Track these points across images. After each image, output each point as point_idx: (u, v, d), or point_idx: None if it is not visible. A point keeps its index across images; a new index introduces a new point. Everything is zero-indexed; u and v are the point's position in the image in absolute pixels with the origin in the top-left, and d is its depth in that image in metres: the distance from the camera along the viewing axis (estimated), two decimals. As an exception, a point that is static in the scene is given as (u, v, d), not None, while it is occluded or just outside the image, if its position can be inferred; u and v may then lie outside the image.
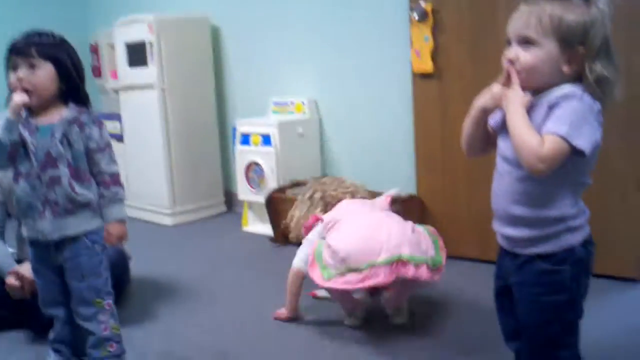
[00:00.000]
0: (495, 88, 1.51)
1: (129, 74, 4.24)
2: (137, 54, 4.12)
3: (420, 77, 3.13)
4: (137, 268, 2.97)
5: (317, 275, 2.24)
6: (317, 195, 2.67)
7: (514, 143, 1.41)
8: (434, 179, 3.19)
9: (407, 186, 3.28)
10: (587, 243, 1.51)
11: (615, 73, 1.43)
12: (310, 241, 2.45)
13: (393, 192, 3.18)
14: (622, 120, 2.49)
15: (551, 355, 1.53)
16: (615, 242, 2.58)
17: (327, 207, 2.58)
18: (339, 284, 2.19)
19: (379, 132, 3.55)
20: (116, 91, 4.46)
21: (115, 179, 1.96)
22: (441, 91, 3.07)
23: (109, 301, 1.98)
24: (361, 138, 3.65)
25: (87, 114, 1.93)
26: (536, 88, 1.46)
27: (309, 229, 2.53)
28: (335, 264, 2.20)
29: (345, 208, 2.49)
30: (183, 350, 2.34)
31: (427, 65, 3.06)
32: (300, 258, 2.45)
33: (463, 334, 2.32)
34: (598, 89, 1.42)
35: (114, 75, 4.53)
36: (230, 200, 4.47)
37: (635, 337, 2.23)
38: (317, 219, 2.50)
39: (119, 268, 2.64)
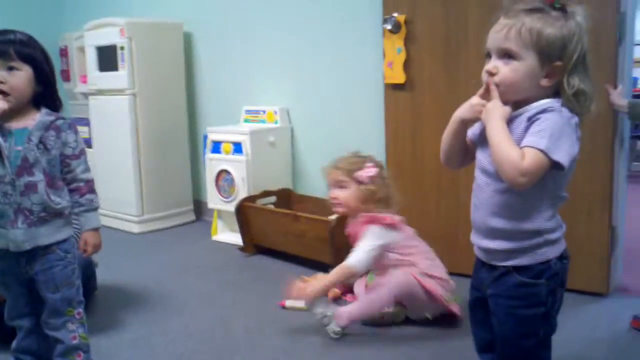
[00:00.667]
0: (475, 100, 1.52)
1: (98, 79, 4.18)
2: (107, 58, 4.06)
3: (392, 88, 3.15)
4: (103, 276, 2.91)
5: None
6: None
7: (494, 156, 1.42)
8: (404, 189, 3.19)
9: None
10: (563, 257, 1.53)
11: (591, 86, 1.45)
12: (374, 247, 2.44)
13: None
14: (585, 137, 2.53)
15: (524, 368, 1.54)
16: (582, 258, 2.61)
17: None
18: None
19: (350, 142, 3.50)
20: (85, 96, 4.39)
21: (91, 187, 1.92)
22: (413, 102, 3.09)
23: (79, 310, 1.93)
24: (333, 148, 3.61)
25: (62, 118, 1.87)
26: (515, 101, 1.47)
27: (371, 221, 2.49)
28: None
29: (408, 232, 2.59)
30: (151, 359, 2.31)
31: (399, 77, 3.08)
32: (358, 259, 2.42)
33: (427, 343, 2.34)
34: (576, 103, 1.44)
35: (84, 79, 4.47)
36: (200, 209, 4.43)
37: (599, 350, 2.27)
38: (379, 219, 2.48)
39: (85, 275, 2.58)
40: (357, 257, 2.43)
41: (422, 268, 2.49)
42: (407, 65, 3.06)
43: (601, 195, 2.67)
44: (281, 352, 2.33)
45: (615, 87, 2.59)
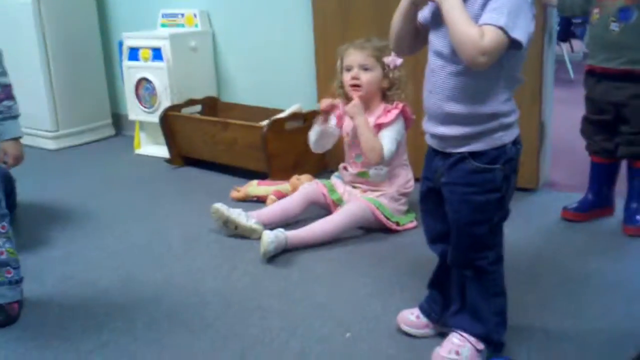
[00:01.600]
0: None
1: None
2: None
3: (320, -14, 3.01)
4: (21, 194, 2.72)
5: None
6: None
7: (452, 36, 1.36)
8: (335, 94, 3.12)
9: (308, 102, 3.20)
10: (517, 142, 1.53)
11: None
12: (398, 141, 2.36)
13: (294, 108, 3.13)
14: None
15: (478, 256, 1.54)
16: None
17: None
18: None
19: (277, 45, 3.40)
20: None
21: (8, 92, 1.74)
22: (341, 1, 2.97)
23: (3, 224, 1.79)
24: (258, 53, 3.50)
25: None
26: None
27: (403, 113, 2.40)
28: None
29: None
30: (85, 274, 2.20)
31: (328, -27, 2.95)
32: (391, 151, 2.32)
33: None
34: None
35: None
36: (119, 122, 4.20)
37: (533, 240, 2.34)
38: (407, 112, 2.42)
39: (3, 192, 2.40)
40: (390, 149, 2.32)
41: (401, 184, 2.48)
42: (335, -40, 2.92)
43: (530, 90, 2.68)
44: (223, 258, 2.28)
45: (547, -21, 2.57)
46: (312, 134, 2.51)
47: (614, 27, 2.23)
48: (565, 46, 5.97)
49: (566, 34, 5.84)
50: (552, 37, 2.75)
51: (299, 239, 2.30)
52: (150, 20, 3.77)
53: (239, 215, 2.39)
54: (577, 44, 6.53)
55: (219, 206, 2.40)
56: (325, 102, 2.43)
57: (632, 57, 2.22)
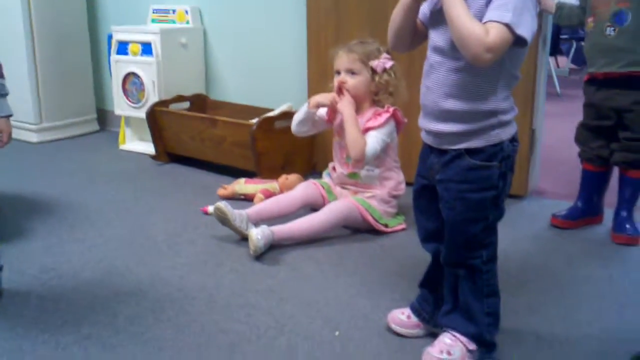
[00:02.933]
0: None
1: (-17, -30, 3.72)
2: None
3: (314, -15, 2.99)
4: (1, 185, 2.66)
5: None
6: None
7: (455, 32, 1.34)
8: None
9: (299, 102, 3.16)
10: (514, 140, 1.51)
11: None
12: (385, 142, 2.34)
13: (284, 107, 3.10)
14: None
15: (471, 255, 1.52)
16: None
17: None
18: None
19: (269, 45, 3.37)
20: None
21: None
22: (336, 1, 2.96)
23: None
24: (250, 51, 3.46)
25: None
26: None
27: (392, 115, 2.37)
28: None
29: None
30: (66, 266, 2.14)
31: (324, -27, 2.93)
32: (375, 150, 2.30)
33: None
34: None
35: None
36: (104, 118, 4.14)
37: (522, 247, 2.32)
38: (397, 115, 2.38)
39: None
40: (374, 148, 2.30)
41: (392, 186, 2.46)
42: (331, -40, 2.91)
43: (523, 96, 2.67)
44: (208, 255, 2.23)
45: (547, -13, 2.57)
46: (299, 113, 2.48)
47: (610, 31, 2.24)
48: (551, 61, 6.02)
49: (554, 48, 5.88)
50: (546, 44, 2.76)
51: (284, 233, 2.26)
52: (141, 15, 3.73)
53: (241, 222, 2.30)
54: (562, 60, 6.59)
55: (225, 208, 2.28)
56: (325, 97, 2.40)
57: (632, 60, 2.23)
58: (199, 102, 3.49)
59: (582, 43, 2.93)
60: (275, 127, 2.94)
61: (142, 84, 3.43)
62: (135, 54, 3.44)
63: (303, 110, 2.47)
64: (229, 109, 3.40)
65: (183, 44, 3.48)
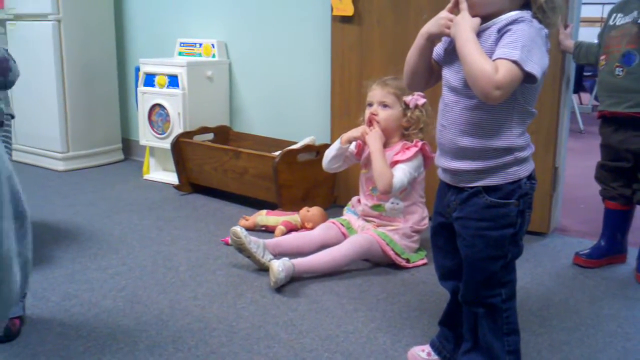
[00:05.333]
0: (442, 14, 1.46)
1: (18, 2, 3.84)
2: (28, -21, 3.73)
3: (339, 21, 3.04)
4: (29, 212, 2.70)
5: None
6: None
7: (467, 70, 1.36)
8: (349, 127, 3.12)
9: (321, 135, 3.20)
10: (532, 177, 1.51)
11: None
12: (413, 175, 2.36)
13: (307, 140, 3.12)
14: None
15: (491, 293, 1.51)
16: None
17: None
18: None
19: (293, 79, 3.42)
20: (2, 22, 4.04)
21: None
22: (361, 36, 3.00)
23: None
24: (274, 85, 3.51)
25: None
26: (484, 15, 1.41)
27: (421, 149, 2.39)
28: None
29: None
30: (88, 294, 2.16)
31: (348, 8, 2.97)
32: (402, 182, 2.31)
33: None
34: (546, 13, 1.40)
35: (0, 3, 4.10)
36: (128, 148, 4.21)
37: (544, 285, 2.30)
38: (426, 150, 2.40)
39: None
40: (402, 180, 2.31)
41: (416, 220, 2.46)
42: (356, -3, 2.96)
43: (546, 135, 2.68)
44: (229, 285, 2.24)
45: (566, 26, 2.59)
46: (331, 149, 2.52)
47: (619, 71, 2.26)
48: (575, 98, 6.00)
49: (578, 85, 5.87)
50: (569, 83, 2.76)
51: (305, 266, 2.27)
52: (168, 48, 3.81)
53: (257, 248, 2.33)
54: (585, 96, 6.57)
55: (240, 232, 2.31)
56: (356, 130, 2.45)
57: (638, 101, 2.23)
58: (223, 133, 3.54)
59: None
60: (297, 159, 2.97)
61: (167, 115, 3.49)
62: (162, 86, 3.50)
63: (335, 147, 2.49)
64: (252, 141, 3.44)
65: (209, 77, 3.54)
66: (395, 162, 2.36)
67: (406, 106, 2.42)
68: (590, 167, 2.52)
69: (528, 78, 1.35)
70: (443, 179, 1.57)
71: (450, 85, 1.48)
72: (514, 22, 1.37)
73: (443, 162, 1.53)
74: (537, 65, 1.34)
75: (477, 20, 1.40)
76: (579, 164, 3.69)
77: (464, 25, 1.39)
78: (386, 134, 2.42)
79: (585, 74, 6.05)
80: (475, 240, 1.50)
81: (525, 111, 1.45)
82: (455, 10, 1.44)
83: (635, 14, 2.24)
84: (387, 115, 2.41)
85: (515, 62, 1.32)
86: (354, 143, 2.50)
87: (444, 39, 1.51)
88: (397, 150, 2.40)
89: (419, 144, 2.38)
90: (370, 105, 2.45)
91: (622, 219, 2.44)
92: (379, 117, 2.41)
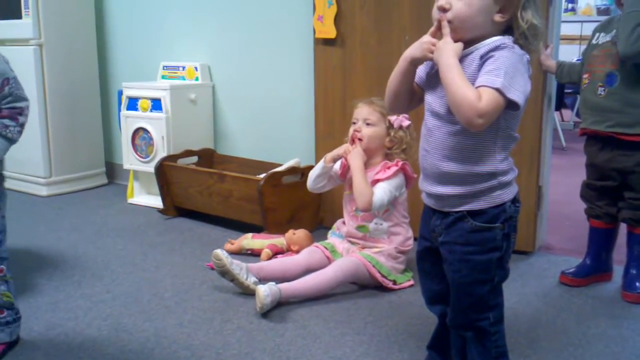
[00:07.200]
0: (425, 38, 1.46)
1: (-1, 27, 3.83)
2: (9, 4, 3.71)
3: (322, 43, 3.05)
4: (10, 239, 2.64)
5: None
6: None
7: (450, 97, 1.36)
8: (334, 149, 3.12)
9: (306, 157, 3.20)
10: (516, 200, 1.51)
11: (542, 21, 1.43)
12: (393, 195, 2.36)
13: (292, 162, 3.12)
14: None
15: (479, 317, 1.51)
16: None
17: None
18: None
19: (277, 101, 3.42)
20: (-18, 47, 4.01)
21: (12, 113, 1.75)
22: (344, 58, 3.02)
23: (1, 266, 1.76)
24: (258, 107, 3.51)
25: None
26: (467, 40, 1.42)
27: (402, 169, 2.40)
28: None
29: None
30: (72, 323, 2.13)
31: (330, 31, 2.99)
32: (382, 201, 2.30)
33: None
34: (528, 39, 1.41)
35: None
36: (112, 171, 4.19)
37: (530, 304, 2.30)
38: (407, 169, 2.41)
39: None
40: (382, 198, 2.31)
41: (400, 241, 2.46)
42: (338, 20, 2.97)
43: (529, 154, 2.70)
44: (215, 311, 2.22)
45: (547, 46, 2.62)
46: (316, 169, 2.52)
47: (601, 91, 2.30)
48: (556, 115, 6.06)
49: (559, 102, 5.93)
50: (551, 102, 2.79)
51: (292, 291, 2.25)
52: (151, 71, 3.80)
53: (240, 270, 2.32)
54: (567, 113, 6.64)
55: (221, 254, 2.30)
56: (340, 148, 2.46)
57: (618, 121, 2.27)
58: (207, 156, 3.53)
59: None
60: (282, 182, 2.96)
61: (151, 138, 3.48)
62: (145, 109, 3.49)
63: (319, 166, 2.50)
64: (236, 164, 3.44)
65: (192, 99, 3.53)
66: (376, 181, 2.36)
67: (390, 125, 2.43)
68: (573, 184, 2.54)
69: (511, 105, 1.35)
70: (427, 204, 1.57)
71: (433, 110, 1.48)
72: (496, 48, 1.38)
73: (427, 186, 1.53)
74: (519, 92, 1.34)
75: (460, 45, 1.40)
76: (562, 181, 3.71)
77: (447, 50, 1.39)
78: (369, 153, 2.42)
79: (566, 91, 6.12)
80: (462, 265, 1.49)
81: (508, 136, 1.46)
82: (438, 34, 1.44)
83: (614, 32, 2.28)
84: (371, 133, 2.42)
85: (498, 89, 1.32)
86: (338, 163, 2.50)
87: (426, 62, 1.51)
88: (377, 170, 2.40)
89: (400, 163, 2.39)
90: (355, 123, 2.45)
91: (607, 238, 2.45)
92: (362, 134, 2.42)
